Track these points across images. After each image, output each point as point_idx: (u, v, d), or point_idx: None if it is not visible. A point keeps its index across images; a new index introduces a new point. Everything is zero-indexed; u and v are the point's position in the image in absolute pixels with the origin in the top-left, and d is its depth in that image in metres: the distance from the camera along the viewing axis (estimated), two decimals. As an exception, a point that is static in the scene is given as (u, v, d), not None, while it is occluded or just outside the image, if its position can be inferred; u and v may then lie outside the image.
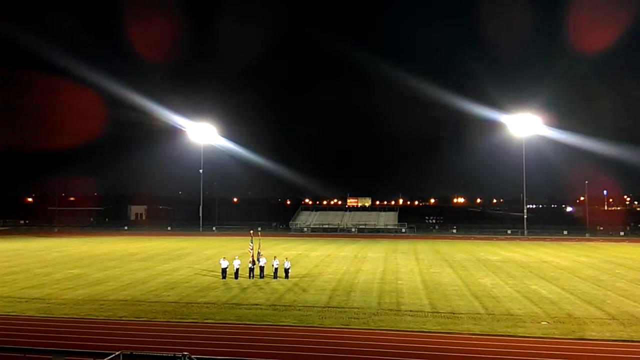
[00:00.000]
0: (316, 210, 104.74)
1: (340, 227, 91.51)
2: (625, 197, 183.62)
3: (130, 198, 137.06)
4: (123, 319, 22.38)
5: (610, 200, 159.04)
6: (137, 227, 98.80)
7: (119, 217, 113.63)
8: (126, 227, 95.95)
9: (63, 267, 39.49)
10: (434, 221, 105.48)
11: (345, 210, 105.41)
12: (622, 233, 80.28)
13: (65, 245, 60.05)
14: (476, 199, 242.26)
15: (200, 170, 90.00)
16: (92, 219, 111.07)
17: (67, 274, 35.71)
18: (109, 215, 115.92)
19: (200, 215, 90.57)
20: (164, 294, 28.12)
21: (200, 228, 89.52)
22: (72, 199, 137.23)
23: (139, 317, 22.59)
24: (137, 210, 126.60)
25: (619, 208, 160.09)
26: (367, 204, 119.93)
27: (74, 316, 22.85)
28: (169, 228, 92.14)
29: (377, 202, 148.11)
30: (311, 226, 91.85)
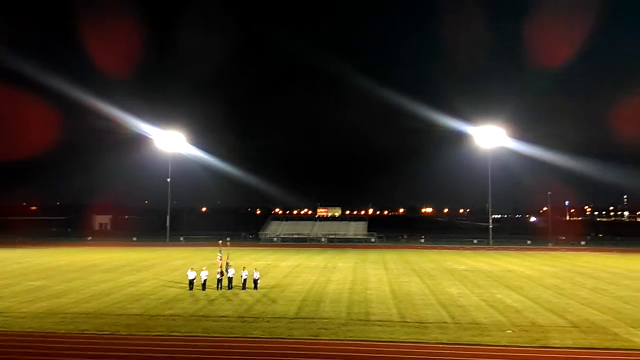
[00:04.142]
0: (286, 220, 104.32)
1: (310, 237, 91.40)
2: (585, 207, 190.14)
3: (94, 207, 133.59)
4: (85, 332, 21.71)
5: (572, 210, 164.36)
6: (101, 237, 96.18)
7: (82, 227, 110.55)
8: (90, 238, 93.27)
9: (23, 278, 38.09)
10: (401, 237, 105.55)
11: (315, 220, 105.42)
12: (583, 242, 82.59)
13: (26, 256, 57.99)
14: (443, 209, 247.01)
15: (168, 179, 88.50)
16: (54, 229, 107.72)
17: (27, 286, 34.46)
18: (72, 225, 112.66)
19: (167, 225, 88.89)
20: (128, 306, 27.45)
21: (167, 238, 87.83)
22: (33, 208, 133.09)
23: (101, 331, 21.95)
24: (101, 220, 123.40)
25: (580, 218, 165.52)
26: (337, 214, 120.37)
27: (34, 330, 22.04)
28: (134, 238, 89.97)
29: (347, 212, 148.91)
30: (281, 236, 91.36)
